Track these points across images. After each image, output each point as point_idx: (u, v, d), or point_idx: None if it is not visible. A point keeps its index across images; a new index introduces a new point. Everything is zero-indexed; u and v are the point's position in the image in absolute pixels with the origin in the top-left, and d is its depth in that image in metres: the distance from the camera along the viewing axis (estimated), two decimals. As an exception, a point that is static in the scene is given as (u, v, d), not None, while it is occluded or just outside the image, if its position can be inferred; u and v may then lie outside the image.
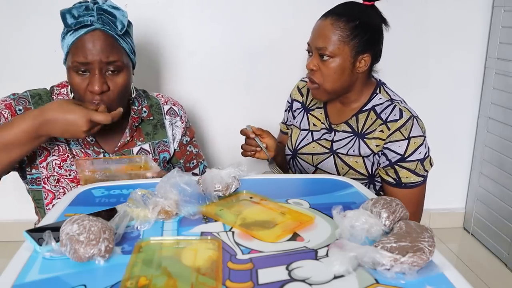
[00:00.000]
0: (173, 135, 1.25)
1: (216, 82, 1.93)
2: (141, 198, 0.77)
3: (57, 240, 0.66)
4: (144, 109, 1.21)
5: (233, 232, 0.75)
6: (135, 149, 1.18)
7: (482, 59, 2.11)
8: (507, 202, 2.01)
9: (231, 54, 1.90)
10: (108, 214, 0.78)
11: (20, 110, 1.08)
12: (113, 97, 1.06)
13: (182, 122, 1.27)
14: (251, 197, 0.89)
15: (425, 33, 2.01)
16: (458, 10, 2.00)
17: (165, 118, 1.25)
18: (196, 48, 1.87)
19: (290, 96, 1.46)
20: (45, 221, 0.78)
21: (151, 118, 1.22)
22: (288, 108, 1.46)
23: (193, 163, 1.33)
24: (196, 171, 1.34)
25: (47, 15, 1.71)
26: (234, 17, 1.86)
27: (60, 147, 1.11)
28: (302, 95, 1.42)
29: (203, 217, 0.80)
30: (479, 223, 2.23)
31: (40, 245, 0.66)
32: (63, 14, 1.01)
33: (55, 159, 1.09)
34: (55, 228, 0.70)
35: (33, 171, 1.12)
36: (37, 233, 0.70)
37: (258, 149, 1.29)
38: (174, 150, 1.27)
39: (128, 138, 1.17)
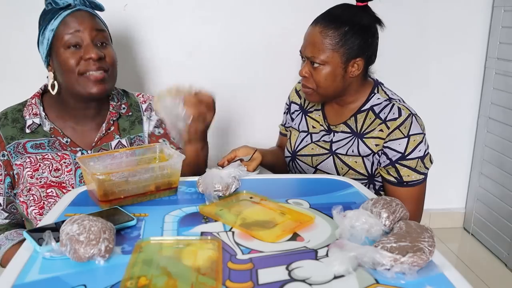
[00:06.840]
0: (148, 129, 1.26)
1: (215, 83, 1.92)
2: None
3: (57, 240, 0.66)
4: (123, 105, 1.23)
5: (233, 232, 0.75)
6: (113, 143, 1.18)
7: (482, 59, 2.11)
8: (507, 202, 2.01)
9: (230, 55, 1.89)
10: (108, 214, 0.78)
11: None
12: (109, 66, 1.10)
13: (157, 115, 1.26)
14: (251, 197, 0.89)
15: (425, 33, 2.01)
16: (458, 10, 2.00)
17: (143, 115, 1.26)
18: (196, 49, 1.87)
19: (288, 98, 1.45)
20: (45, 221, 0.78)
21: (130, 114, 1.24)
22: (287, 111, 1.46)
23: None
24: None
25: (47, 15, 1.71)
26: (233, 18, 1.86)
27: (31, 158, 1.10)
28: (300, 97, 1.41)
29: (203, 217, 0.80)
30: (479, 223, 2.23)
31: (40, 245, 0.66)
32: None
33: (28, 171, 1.10)
34: (55, 228, 0.70)
35: (15, 190, 1.13)
36: (37, 233, 0.70)
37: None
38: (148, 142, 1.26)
39: (104, 132, 1.17)
